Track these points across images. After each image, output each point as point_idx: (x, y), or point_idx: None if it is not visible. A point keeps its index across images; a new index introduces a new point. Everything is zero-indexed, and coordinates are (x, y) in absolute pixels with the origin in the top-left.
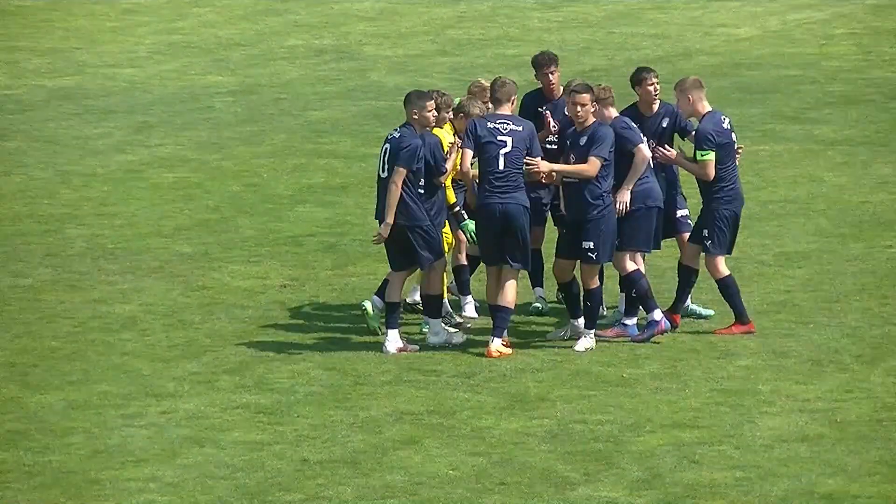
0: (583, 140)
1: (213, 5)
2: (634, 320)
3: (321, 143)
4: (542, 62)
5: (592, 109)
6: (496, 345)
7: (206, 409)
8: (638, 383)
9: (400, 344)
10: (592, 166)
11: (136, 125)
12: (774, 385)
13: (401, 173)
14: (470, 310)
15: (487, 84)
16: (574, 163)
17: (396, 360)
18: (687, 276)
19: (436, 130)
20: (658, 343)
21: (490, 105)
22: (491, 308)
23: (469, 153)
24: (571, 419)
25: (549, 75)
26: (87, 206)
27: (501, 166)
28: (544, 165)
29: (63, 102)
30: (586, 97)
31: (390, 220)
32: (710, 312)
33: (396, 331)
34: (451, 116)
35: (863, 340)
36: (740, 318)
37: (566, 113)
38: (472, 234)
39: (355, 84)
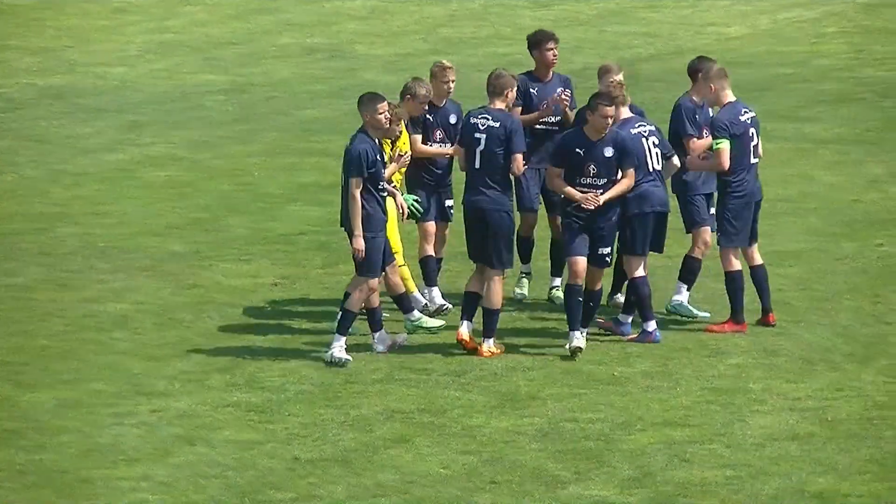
0: (608, 151)
1: (205, 4)
2: (630, 318)
3: (313, 142)
4: (543, 39)
5: None
6: (488, 345)
7: (198, 408)
8: (629, 382)
9: (388, 341)
10: (631, 179)
11: (128, 124)
12: (765, 384)
13: (353, 182)
14: (438, 300)
15: (448, 65)
16: (595, 173)
17: (387, 359)
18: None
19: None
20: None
21: (449, 87)
22: (466, 295)
23: (462, 150)
24: (562, 418)
25: (550, 52)
26: (79, 205)
27: (477, 164)
28: (601, 199)
29: (54, 101)
30: (612, 109)
31: (358, 231)
32: (706, 315)
33: (382, 331)
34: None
35: (854, 339)
36: (735, 315)
37: (552, 95)
38: (413, 206)
39: (347, 83)
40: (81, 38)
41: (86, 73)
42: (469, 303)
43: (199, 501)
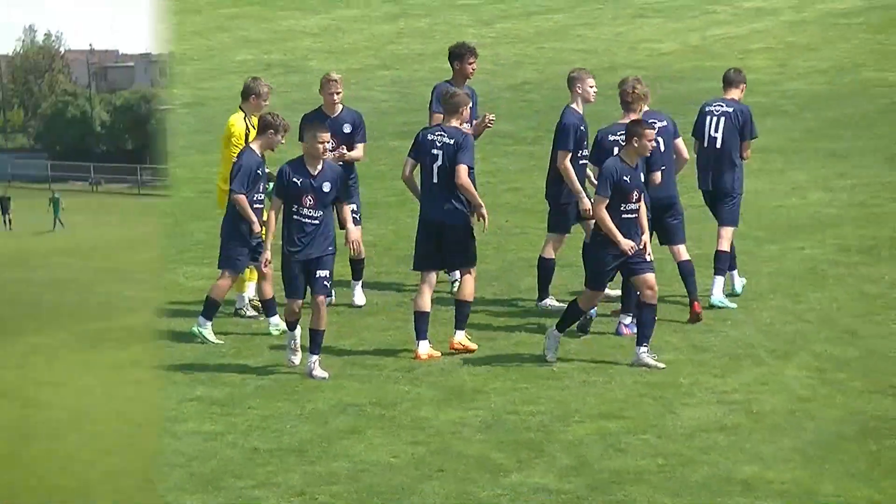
0: (642, 174)
1: (168, 22)
2: (630, 318)
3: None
4: (465, 52)
5: None
6: (459, 337)
7: (164, 402)
8: (567, 377)
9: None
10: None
11: None
12: (694, 378)
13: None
14: (359, 296)
15: (334, 77)
16: (637, 198)
17: (340, 355)
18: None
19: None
20: (587, 338)
21: (334, 98)
22: (417, 315)
23: (410, 161)
24: (505, 410)
25: (471, 65)
26: None
27: (436, 179)
28: (644, 237)
29: None
30: (654, 132)
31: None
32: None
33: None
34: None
35: (777, 336)
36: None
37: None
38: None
39: (301, 96)
40: None
41: None
42: (422, 321)
43: (163, 489)
